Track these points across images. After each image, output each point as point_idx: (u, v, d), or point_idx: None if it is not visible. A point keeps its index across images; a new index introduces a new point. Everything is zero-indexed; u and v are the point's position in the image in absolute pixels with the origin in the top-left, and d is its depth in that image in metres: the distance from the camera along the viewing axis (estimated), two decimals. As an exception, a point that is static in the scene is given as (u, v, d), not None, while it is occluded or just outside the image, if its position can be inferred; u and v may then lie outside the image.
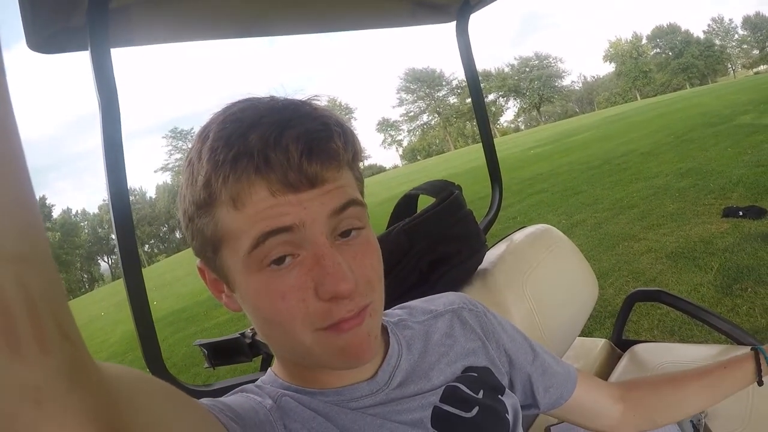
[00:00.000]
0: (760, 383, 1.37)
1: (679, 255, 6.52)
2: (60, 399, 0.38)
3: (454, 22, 2.78)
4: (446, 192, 2.06)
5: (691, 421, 1.88)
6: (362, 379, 1.00)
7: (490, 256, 2.23)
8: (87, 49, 1.56)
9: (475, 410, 1.07)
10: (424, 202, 2.09)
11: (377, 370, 1.03)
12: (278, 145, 0.77)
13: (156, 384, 0.63)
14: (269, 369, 1.08)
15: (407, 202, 2.15)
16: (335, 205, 0.83)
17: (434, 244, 1.96)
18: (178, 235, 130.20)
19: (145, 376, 0.61)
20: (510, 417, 1.13)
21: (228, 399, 0.92)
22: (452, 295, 1.31)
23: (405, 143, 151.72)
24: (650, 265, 6.55)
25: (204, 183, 0.80)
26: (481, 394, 1.10)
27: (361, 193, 0.93)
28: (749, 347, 1.41)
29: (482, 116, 2.96)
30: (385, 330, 1.11)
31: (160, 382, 0.64)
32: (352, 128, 0.88)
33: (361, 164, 0.94)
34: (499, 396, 1.15)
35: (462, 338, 1.19)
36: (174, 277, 31.63)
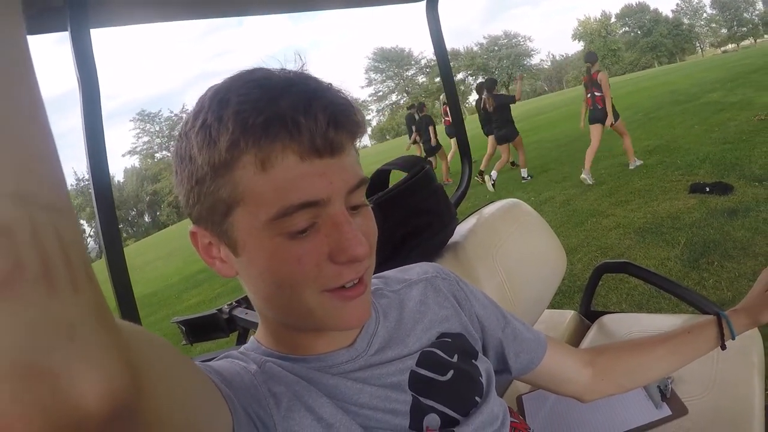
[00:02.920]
0: (723, 347, 1.43)
1: (646, 230, 6.62)
2: (90, 336, 0.40)
3: (424, 1, 2.79)
4: (417, 167, 2.10)
5: (658, 386, 1.93)
6: (342, 346, 1.04)
7: (461, 229, 2.27)
8: (67, 30, 1.57)
9: (450, 373, 1.12)
10: (396, 180, 2.12)
11: (356, 338, 1.07)
12: (308, 113, 0.81)
13: (155, 336, 0.64)
14: (251, 337, 1.11)
15: (379, 177, 2.17)
16: (353, 183, 0.89)
17: (406, 217, 2.00)
18: (147, 219, 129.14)
19: (144, 329, 0.62)
20: (483, 380, 1.18)
21: (214, 364, 0.95)
22: (426, 264, 1.36)
23: (374, 123, 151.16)
24: (618, 240, 6.64)
25: (229, 145, 0.81)
26: (455, 358, 1.15)
27: None
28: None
29: (452, 94, 2.99)
30: None
31: (158, 336, 0.65)
32: None
33: None
34: (473, 360, 1.19)
35: (435, 305, 1.23)
36: (144, 261, 31.37)
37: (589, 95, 10.67)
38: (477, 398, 1.14)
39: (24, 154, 0.38)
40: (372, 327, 1.11)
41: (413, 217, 2.01)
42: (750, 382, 1.96)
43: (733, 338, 1.42)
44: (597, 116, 10.58)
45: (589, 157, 10.66)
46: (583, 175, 10.47)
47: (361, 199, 0.93)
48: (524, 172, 12.83)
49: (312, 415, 0.92)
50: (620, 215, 7.62)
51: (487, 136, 13.86)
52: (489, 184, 12.37)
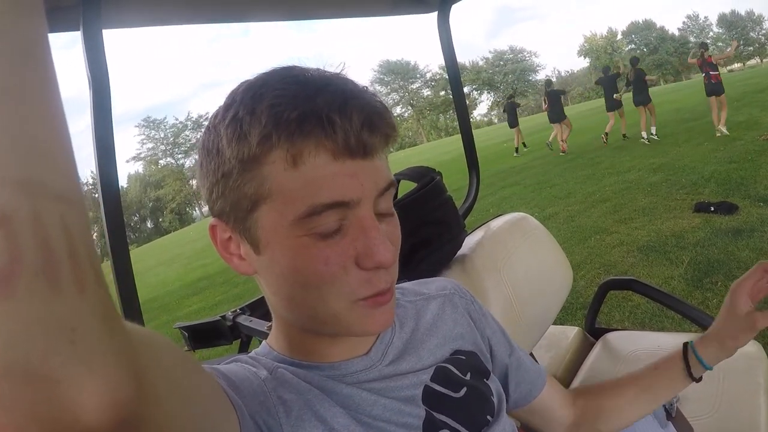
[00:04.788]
0: (695, 379, 1.38)
1: (650, 248, 6.60)
2: (92, 341, 0.38)
3: (435, 13, 2.79)
4: (428, 177, 2.10)
5: (664, 405, 1.92)
6: (357, 355, 1.03)
7: (469, 242, 2.26)
8: (79, 30, 1.56)
9: (464, 391, 1.11)
10: (405, 189, 2.11)
11: (371, 347, 1.06)
12: (344, 112, 0.80)
13: (162, 338, 0.62)
14: (263, 342, 1.09)
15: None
16: (383, 185, 0.88)
17: (416, 227, 1.99)
18: (149, 224, 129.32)
19: (154, 333, 0.60)
20: (495, 400, 1.17)
21: (223, 367, 0.93)
22: (444, 280, 1.35)
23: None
24: (622, 258, 6.62)
25: (261, 138, 0.80)
26: (468, 376, 1.14)
27: None
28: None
29: (461, 106, 2.99)
30: None
31: (164, 337, 0.63)
32: None
33: None
34: (485, 380, 1.19)
35: (451, 322, 1.22)
36: (145, 267, 31.30)
37: (704, 74, 14.38)
38: (489, 417, 1.13)
39: (33, 138, 0.36)
40: (388, 337, 1.10)
41: (423, 227, 2.02)
42: (756, 402, 1.95)
43: (707, 368, 1.37)
44: (714, 89, 14.06)
45: (723, 118, 13.69)
46: (721, 128, 13.44)
47: (388, 204, 0.92)
48: (653, 129, 16.11)
49: (323, 426, 0.90)
50: (624, 233, 7.61)
51: (609, 112, 18.53)
52: (645, 140, 15.74)
